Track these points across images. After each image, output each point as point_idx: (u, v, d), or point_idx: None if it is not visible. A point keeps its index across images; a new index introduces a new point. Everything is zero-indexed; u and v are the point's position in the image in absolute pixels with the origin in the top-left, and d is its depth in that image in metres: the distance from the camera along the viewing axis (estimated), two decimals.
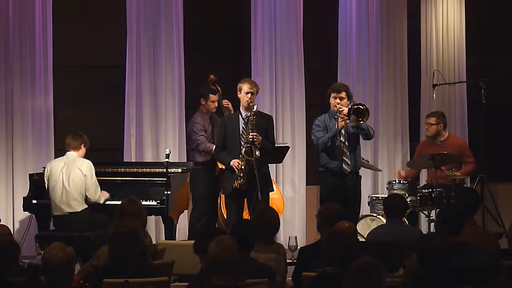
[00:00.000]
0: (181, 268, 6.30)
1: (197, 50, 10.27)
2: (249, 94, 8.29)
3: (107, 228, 5.79)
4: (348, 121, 8.32)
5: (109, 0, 10.17)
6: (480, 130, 9.81)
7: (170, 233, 8.60)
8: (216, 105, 9.51)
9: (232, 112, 9.26)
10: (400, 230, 6.90)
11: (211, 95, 9.47)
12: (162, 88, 9.95)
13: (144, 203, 7.50)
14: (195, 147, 9.40)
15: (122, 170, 8.87)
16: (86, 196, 8.35)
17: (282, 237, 9.92)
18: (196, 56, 10.22)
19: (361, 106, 8.38)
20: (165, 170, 8.52)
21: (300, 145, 10.36)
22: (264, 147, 8.24)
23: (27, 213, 9.01)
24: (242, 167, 8.18)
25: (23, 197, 8.85)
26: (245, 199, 8.29)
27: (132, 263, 5.50)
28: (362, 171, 8.99)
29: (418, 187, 9.54)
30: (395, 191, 9.30)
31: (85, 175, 8.32)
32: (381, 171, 10.33)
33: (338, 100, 8.47)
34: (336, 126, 8.37)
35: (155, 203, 8.51)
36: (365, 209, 9.67)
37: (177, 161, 9.52)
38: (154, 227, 9.80)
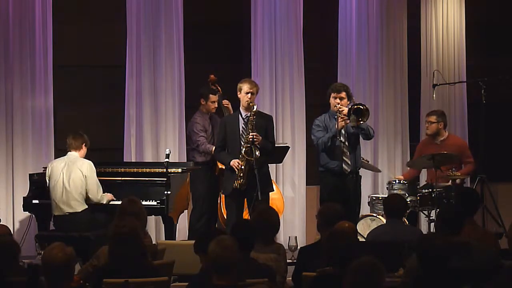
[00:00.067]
0: (181, 268, 6.31)
1: (197, 50, 10.26)
2: (249, 94, 8.29)
3: (107, 228, 5.79)
4: (348, 121, 8.32)
5: (109, 0, 10.17)
6: (480, 130, 9.81)
7: (170, 233, 8.59)
8: (216, 105, 9.50)
9: (232, 112, 9.26)
10: (400, 230, 6.89)
11: (211, 95, 9.47)
12: (162, 88, 9.94)
13: (144, 203, 7.49)
14: (195, 147, 9.40)
15: (122, 170, 8.86)
16: (88, 196, 8.35)
17: (282, 237, 9.90)
18: (196, 56, 10.21)
19: (361, 106, 8.37)
20: (165, 170, 8.52)
21: (300, 145, 10.35)
22: (264, 147, 8.24)
23: (27, 213, 9.01)
24: (242, 167, 8.17)
25: (23, 197, 8.85)
26: (245, 199, 8.28)
27: (132, 263, 5.50)
28: (362, 171, 8.99)
29: (418, 187, 9.54)
30: (395, 191, 9.30)
31: (85, 176, 8.32)
32: (380, 171, 10.32)
33: (338, 100, 8.47)
34: (336, 126, 8.37)
35: (155, 203, 8.50)
36: (365, 209, 9.67)
37: (177, 161, 9.52)
38: (154, 227, 9.80)
